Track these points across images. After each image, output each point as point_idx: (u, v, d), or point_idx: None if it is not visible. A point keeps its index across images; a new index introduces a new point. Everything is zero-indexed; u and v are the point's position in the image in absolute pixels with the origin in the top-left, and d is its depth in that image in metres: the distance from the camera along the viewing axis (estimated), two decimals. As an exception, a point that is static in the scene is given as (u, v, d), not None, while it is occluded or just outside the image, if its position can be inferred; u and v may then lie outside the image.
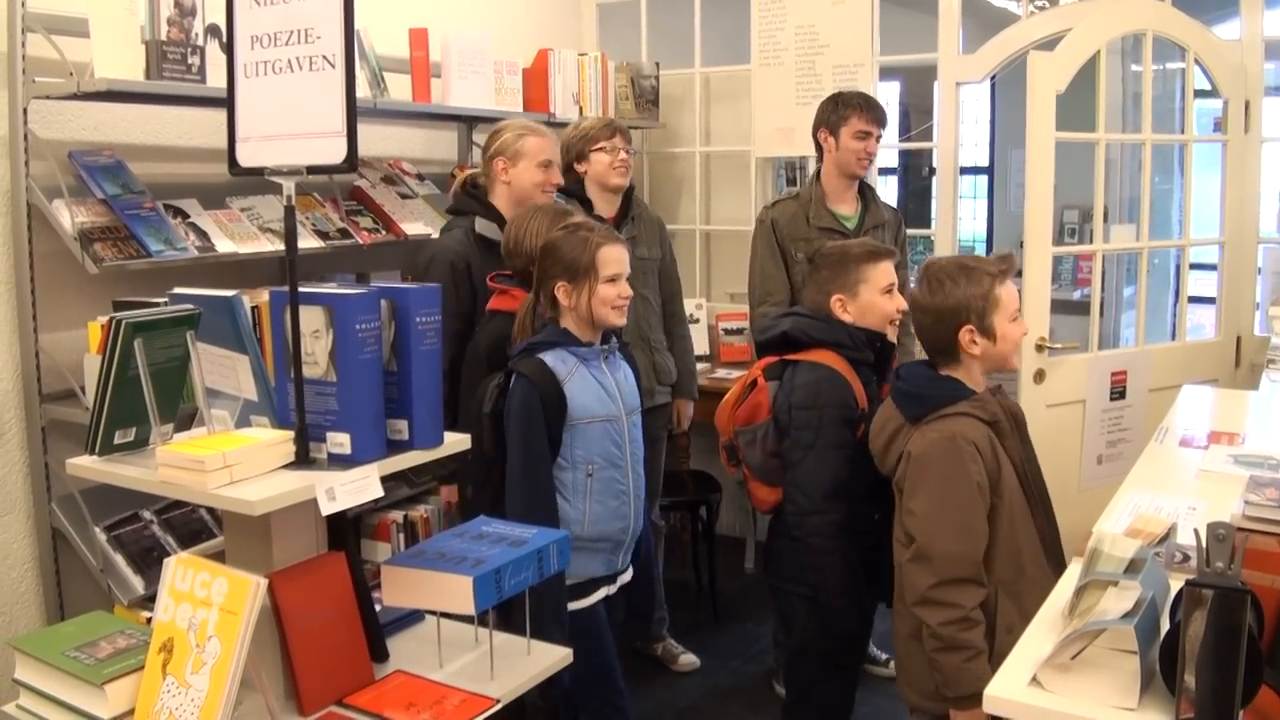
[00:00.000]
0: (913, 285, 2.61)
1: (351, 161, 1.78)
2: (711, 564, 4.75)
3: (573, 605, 2.74)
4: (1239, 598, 1.10)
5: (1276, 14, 6.92)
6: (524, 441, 2.69)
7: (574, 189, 3.98)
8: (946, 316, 2.51)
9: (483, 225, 3.45)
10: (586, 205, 3.94)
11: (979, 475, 2.40)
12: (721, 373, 4.86)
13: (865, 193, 4.09)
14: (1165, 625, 1.27)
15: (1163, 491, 1.89)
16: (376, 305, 1.92)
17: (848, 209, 4.04)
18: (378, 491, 1.90)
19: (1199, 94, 4.46)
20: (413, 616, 2.23)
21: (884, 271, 2.93)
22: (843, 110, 3.96)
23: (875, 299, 2.92)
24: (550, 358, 2.73)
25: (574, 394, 2.73)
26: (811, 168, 5.39)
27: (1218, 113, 4.63)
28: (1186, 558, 1.69)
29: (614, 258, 2.78)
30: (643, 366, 3.96)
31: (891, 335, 2.95)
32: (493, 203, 3.52)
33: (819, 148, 4.04)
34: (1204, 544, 1.14)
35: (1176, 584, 1.25)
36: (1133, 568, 1.28)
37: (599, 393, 2.77)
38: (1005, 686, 1.26)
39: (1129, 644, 1.16)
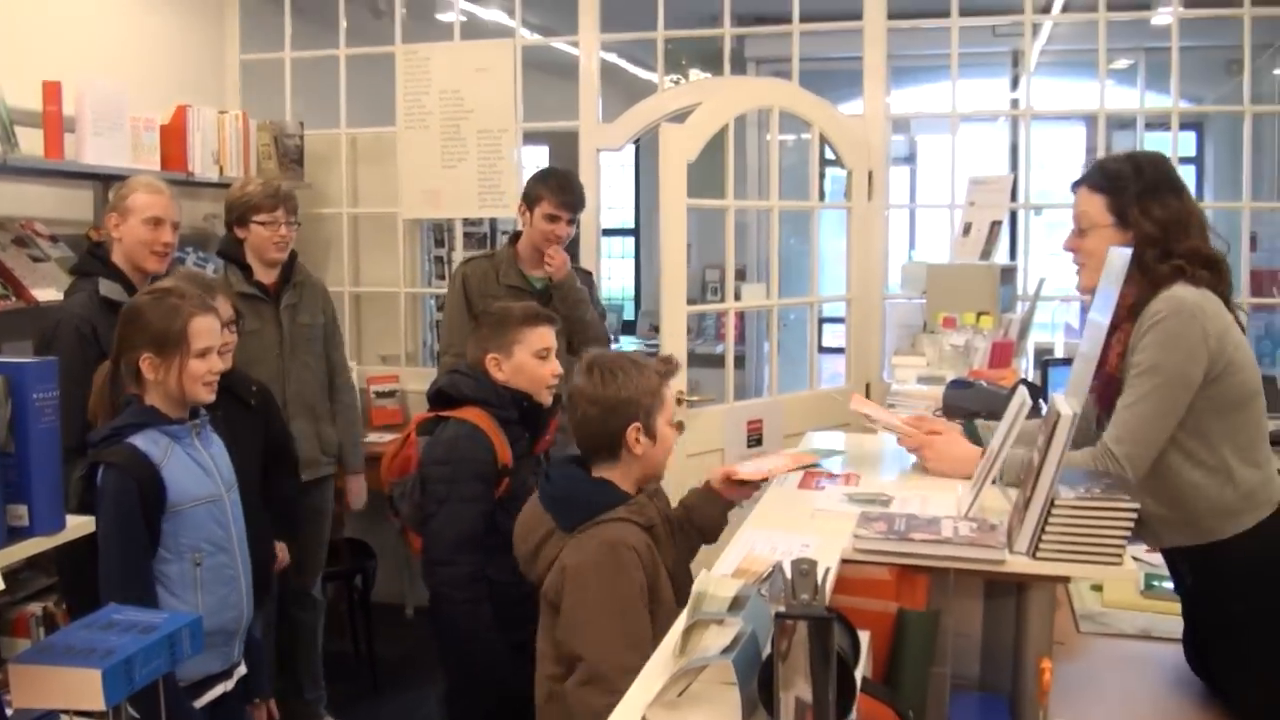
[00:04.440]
0: (575, 377, 2.47)
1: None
2: (370, 633, 4.68)
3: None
4: (825, 624, 1.22)
5: (905, 92, 7.66)
6: (122, 540, 2.44)
7: (232, 252, 3.88)
8: (618, 410, 2.39)
9: (107, 287, 3.29)
10: (245, 270, 3.85)
11: (642, 582, 2.28)
12: (374, 436, 4.80)
13: None
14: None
15: (778, 531, 2.04)
16: (-12, 382, 1.82)
17: (539, 271, 4.09)
18: (-3, 584, 1.79)
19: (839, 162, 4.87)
20: (49, 717, 2.09)
21: (541, 336, 2.98)
22: (539, 189, 4.05)
23: (528, 361, 2.96)
24: (141, 441, 2.51)
25: (172, 478, 2.52)
26: (459, 230, 5.50)
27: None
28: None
29: (207, 329, 2.60)
30: (307, 436, 3.91)
31: (545, 399, 2.99)
32: (115, 262, 3.38)
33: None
34: (790, 579, 1.26)
35: (783, 618, 1.37)
36: (736, 605, 1.39)
37: (197, 473, 2.58)
38: (618, 729, 1.34)
39: (732, 677, 1.27)
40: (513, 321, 3.02)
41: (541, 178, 4.15)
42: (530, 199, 4.09)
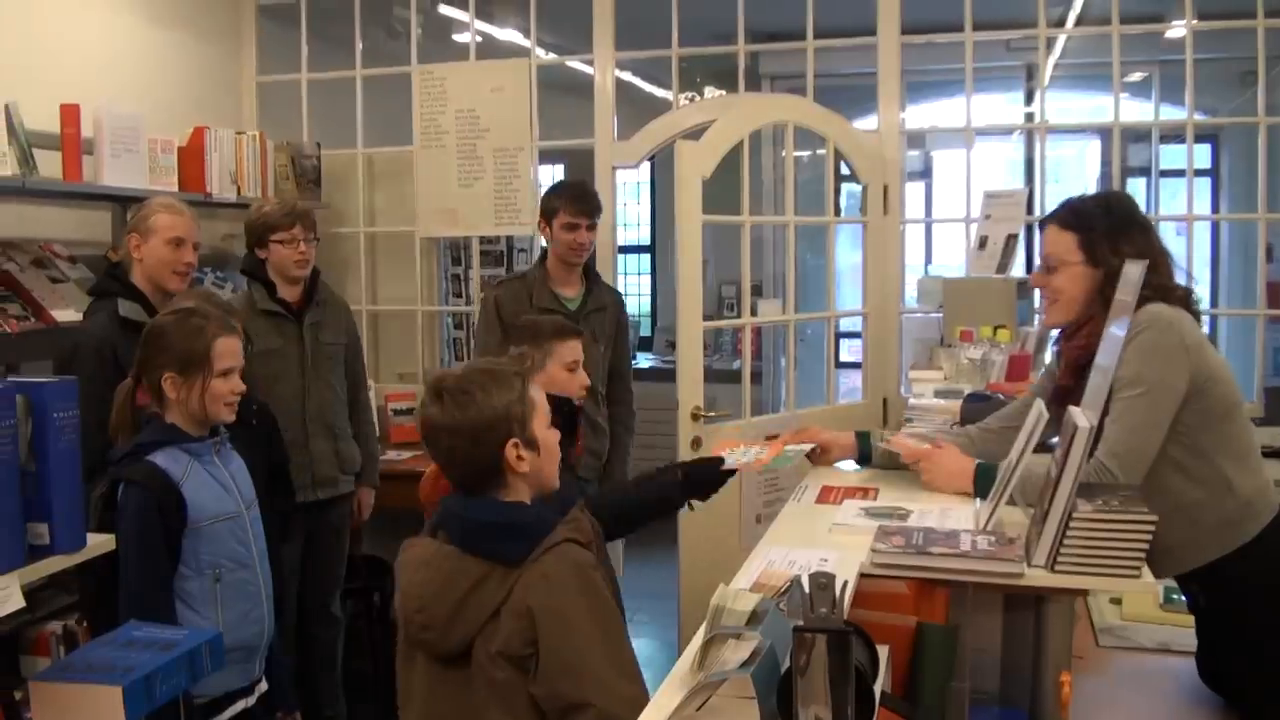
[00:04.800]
0: (424, 405, 2.16)
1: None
2: (389, 650, 4.66)
3: None
4: (843, 637, 1.22)
5: (919, 107, 7.68)
6: (142, 558, 2.46)
7: (254, 270, 3.88)
8: (484, 433, 2.08)
9: (126, 308, 3.30)
10: (269, 288, 3.86)
11: (612, 604, 2.10)
12: (393, 454, 4.82)
13: (590, 276, 4.26)
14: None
15: (796, 547, 2.03)
16: (11, 401, 1.83)
17: (571, 291, 4.18)
18: (19, 603, 1.80)
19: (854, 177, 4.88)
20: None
21: (571, 348, 3.01)
22: (554, 201, 4.13)
23: (558, 373, 2.96)
24: (162, 458, 2.55)
25: (193, 495, 2.55)
26: (476, 247, 5.52)
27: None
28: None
29: (230, 350, 2.64)
30: (326, 455, 3.91)
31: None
32: (134, 283, 3.39)
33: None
34: (808, 592, 1.26)
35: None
36: (754, 620, 1.39)
37: (217, 490, 2.62)
38: (636, 744, 1.34)
39: (751, 691, 1.27)
40: (544, 334, 3.04)
41: (554, 190, 4.22)
42: (547, 213, 4.15)
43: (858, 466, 2.83)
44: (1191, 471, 2.32)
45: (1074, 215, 2.48)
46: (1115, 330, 2.29)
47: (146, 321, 3.12)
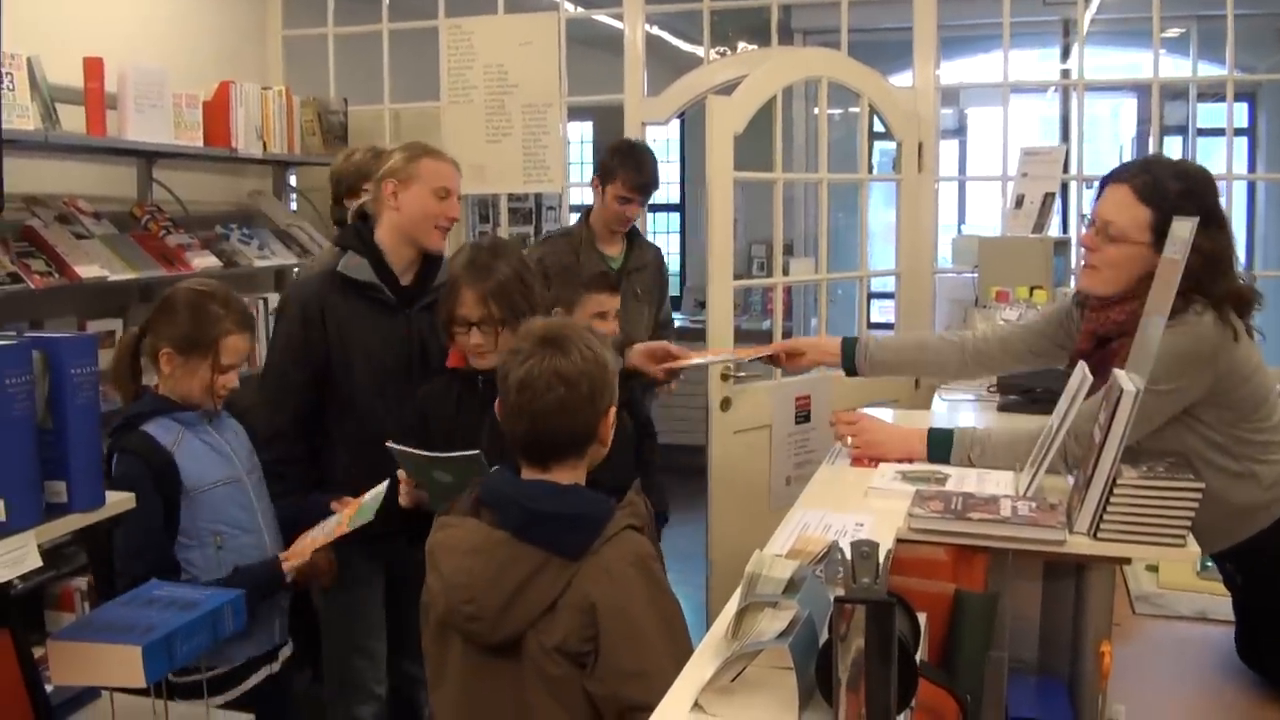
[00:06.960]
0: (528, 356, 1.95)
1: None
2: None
3: (228, 695, 2.50)
4: (886, 608, 1.17)
5: (954, 64, 7.56)
6: (136, 522, 2.31)
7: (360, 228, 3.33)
8: (604, 392, 1.98)
9: (348, 263, 2.96)
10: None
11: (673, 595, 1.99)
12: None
13: (631, 234, 4.17)
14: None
15: (832, 510, 1.99)
16: (28, 357, 1.79)
17: (614, 250, 4.11)
18: (35, 561, 1.77)
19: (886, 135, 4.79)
20: (90, 693, 2.08)
21: (598, 301, 3.18)
22: (614, 166, 3.98)
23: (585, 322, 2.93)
24: (153, 428, 2.51)
25: (185, 462, 2.51)
26: (504, 205, 5.46)
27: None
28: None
29: (239, 349, 2.59)
30: None
31: None
32: (379, 235, 3.01)
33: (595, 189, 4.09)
34: (850, 561, 1.21)
35: (840, 600, 1.33)
36: (791, 588, 1.35)
37: (212, 456, 2.57)
38: (668, 714, 1.28)
39: (789, 661, 1.22)
40: (578, 284, 3.22)
41: (620, 154, 4.05)
42: (605, 174, 4.01)
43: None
44: (1215, 462, 2.24)
45: (1156, 192, 2.24)
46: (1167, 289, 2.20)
47: (372, 281, 2.95)
